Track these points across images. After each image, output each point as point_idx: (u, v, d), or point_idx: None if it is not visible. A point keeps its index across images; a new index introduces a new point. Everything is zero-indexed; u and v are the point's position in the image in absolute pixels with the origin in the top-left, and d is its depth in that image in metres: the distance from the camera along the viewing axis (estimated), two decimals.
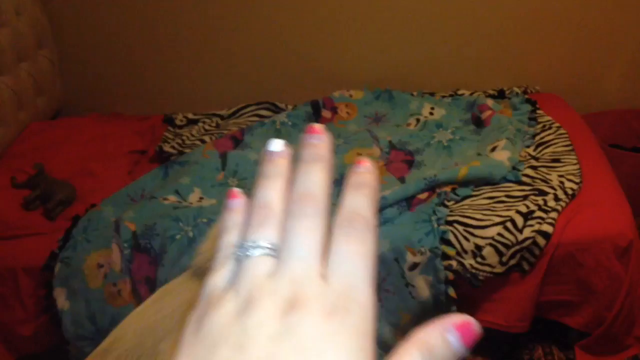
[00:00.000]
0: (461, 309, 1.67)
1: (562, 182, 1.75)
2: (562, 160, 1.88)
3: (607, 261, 1.58)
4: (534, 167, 1.86)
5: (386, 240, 1.64)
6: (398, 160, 2.03)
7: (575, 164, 1.85)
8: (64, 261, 1.73)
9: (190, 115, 2.57)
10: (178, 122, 2.53)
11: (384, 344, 1.68)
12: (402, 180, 1.91)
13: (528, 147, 1.99)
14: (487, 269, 1.60)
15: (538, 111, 2.23)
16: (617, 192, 1.74)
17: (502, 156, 1.85)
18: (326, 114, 2.36)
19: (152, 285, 1.70)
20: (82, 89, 2.74)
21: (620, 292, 1.60)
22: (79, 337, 1.74)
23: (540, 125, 2.12)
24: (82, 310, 1.73)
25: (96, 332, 1.74)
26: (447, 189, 1.78)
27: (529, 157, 1.93)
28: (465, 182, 1.80)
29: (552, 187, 1.73)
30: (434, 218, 1.65)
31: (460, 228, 1.64)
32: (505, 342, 1.76)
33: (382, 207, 1.70)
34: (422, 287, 1.63)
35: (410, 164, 2.00)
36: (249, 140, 2.19)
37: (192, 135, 2.40)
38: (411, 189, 1.74)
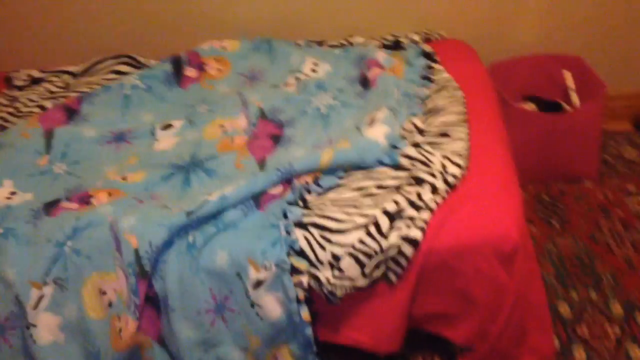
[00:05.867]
0: (322, 325, 1.39)
1: (444, 167, 1.44)
2: (451, 134, 1.56)
3: (488, 269, 1.31)
4: (417, 145, 1.54)
5: (224, 252, 1.32)
6: (264, 135, 1.68)
7: (464, 139, 1.53)
8: None
9: (36, 74, 2.14)
10: (19, 83, 2.10)
11: None
12: (262, 163, 1.57)
13: (415, 115, 1.66)
14: (347, 282, 1.31)
15: (436, 66, 1.89)
16: (507, 178, 1.44)
17: (379, 133, 1.52)
18: (190, 72, 1.97)
19: None
20: None
21: (505, 302, 1.33)
22: None
23: (435, 87, 1.79)
24: None
25: None
26: (308, 178, 1.45)
27: (414, 130, 1.60)
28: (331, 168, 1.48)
29: (432, 174, 1.42)
30: (282, 223, 1.33)
31: (316, 233, 1.33)
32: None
33: (222, 210, 1.36)
34: (272, 306, 1.32)
35: (277, 140, 1.66)
36: (88, 111, 1.79)
37: (31, 101, 1.98)
38: (260, 183, 1.41)
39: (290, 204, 1.38)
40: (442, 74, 1.84)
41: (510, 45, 2.24)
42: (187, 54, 1.98)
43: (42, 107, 1.92)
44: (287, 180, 1.44)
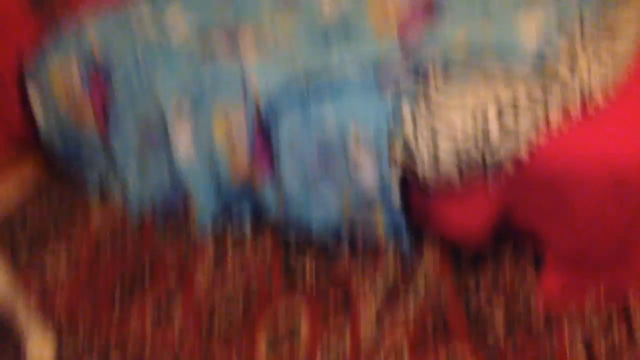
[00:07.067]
0: (414, 212, 1.42)
1: (590, 69, 1.26)
2: (619, 33, 1.34)
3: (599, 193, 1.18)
4: (571, 39, 1.35)
5: (331, 110, 1.36)
6: (419, 4, 1.60)
7: (632, 40, 1.31)
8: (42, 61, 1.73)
9: None
10: None
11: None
12: (403, 36, 1.51)
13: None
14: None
15: None
16: None
17: (532, 30, 1.36)
18: None
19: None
20: None
21: (610, 209, 1.20)
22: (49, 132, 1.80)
23: None
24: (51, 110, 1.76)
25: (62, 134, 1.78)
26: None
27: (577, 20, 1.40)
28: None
29: (573, 70, 1.26)
30: (391, 90, 1.32)
31: (423, 106, 1.29)
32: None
33: (338, 71, 1.40)
34: (367, 169, 1.36)
35: (429, 10, 1.57)
36: None
37: None
38: (380, 53, 1.40)
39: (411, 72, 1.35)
40: None
41: None
42: None
43: None
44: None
